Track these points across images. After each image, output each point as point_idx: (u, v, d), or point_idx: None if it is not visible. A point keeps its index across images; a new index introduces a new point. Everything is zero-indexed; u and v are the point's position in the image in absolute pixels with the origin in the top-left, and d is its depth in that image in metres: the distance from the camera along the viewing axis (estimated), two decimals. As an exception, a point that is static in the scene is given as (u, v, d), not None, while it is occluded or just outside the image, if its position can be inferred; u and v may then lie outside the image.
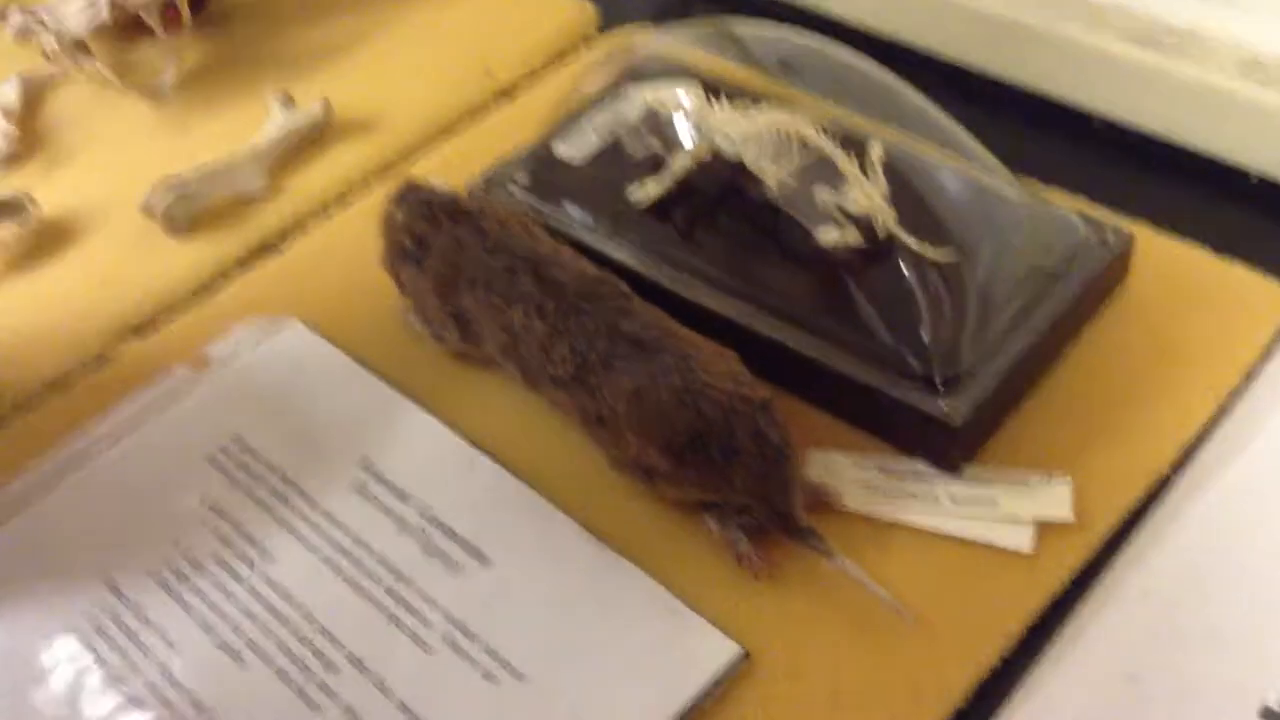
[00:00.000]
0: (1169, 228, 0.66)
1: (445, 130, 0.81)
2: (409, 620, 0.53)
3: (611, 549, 0.55)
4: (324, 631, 0.53)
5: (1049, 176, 0.69)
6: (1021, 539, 0.53)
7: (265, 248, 0.74)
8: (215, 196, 0.76)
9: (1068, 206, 0.63)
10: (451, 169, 0.73)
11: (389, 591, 0.54)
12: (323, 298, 0.69)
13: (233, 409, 0.63)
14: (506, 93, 0.83)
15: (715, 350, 0.55)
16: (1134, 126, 0.72)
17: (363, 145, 0.79)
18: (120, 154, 0.82)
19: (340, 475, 0.59)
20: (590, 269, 0.59)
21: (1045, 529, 0.54)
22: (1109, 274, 0.61)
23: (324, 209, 0.76)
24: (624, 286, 0.58)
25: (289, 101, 0.80)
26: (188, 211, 0.75)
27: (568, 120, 0.71)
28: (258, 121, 0.80)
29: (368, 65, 0.86)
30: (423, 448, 0.60)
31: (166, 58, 0.87)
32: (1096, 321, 0.62)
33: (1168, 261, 0.64)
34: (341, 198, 0.76)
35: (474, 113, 0.82)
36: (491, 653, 0.52)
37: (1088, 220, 0.62)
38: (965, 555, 0.53)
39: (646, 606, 0.53)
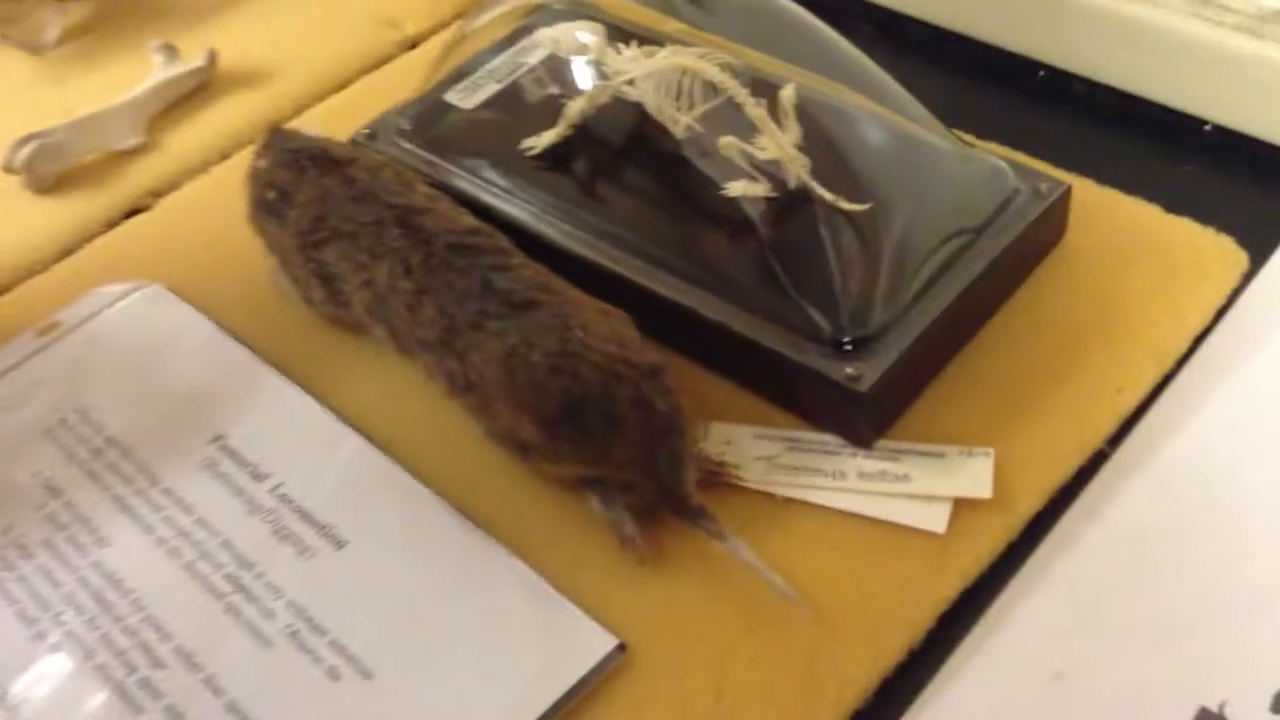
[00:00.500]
0: (1114, 180, 0.61)
1: (342, 84, 0.75)
2: (249, 611, 0.47)
3: (482, 531, 0.49)
4: (152, 623, 0.47)
5: (987, 130, 0.63)
6: (935, 518, 0.48)
7: (138, 207, 0.68)
8: (86, 151, 0.70)
9: (1002, 157, 0.58)
10: (342, 121, 0.67)
11: (230, 579, 0.49)
12: (191, 259, 0.63)
13: (76, 378, 0.57)
14: (413, 46, 0.77)
15: (601, 311, 0.49)
16: (1080, 74, 0.67)
17: (251, 99, 0.73)
18: (-9, 108, 0.76)
19: (190, 451, 0.53)
20: (467, 220, 0.53)
21: (962, 508, 0.48)
22: (1043, 228, 0.56)
23: (204, 166, 0.70)
24: (503, 240, 0.52)
25: (172, 52, 0.74)
26: (54, 167, 0.68)
27: (465, 66, 0.66)
28: (143, 75, 0.74)
29: (263, 16, 0.80)
30: (285, 422, 0.54)
31: (52, 9, 0.81)
32: (1029, 281, 0.56)
33: (1110, 216, 0.59)
34: (224, 154, 0.70)
35: (375, 66, 0.76)
36: (338, 648, 0.46)
37: (1020, 169, 0.56)
38: (873, 536, 0.48)
39: (516, 594, 0.47)
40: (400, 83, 0.70)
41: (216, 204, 0.66)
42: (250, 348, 0.58)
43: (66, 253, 0.65)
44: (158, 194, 0.68)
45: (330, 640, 0.46)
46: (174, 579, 0.49)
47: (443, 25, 0.78)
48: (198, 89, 0.74)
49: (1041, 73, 0.68)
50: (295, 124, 0.71)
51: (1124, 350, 0.53)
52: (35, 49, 0.80)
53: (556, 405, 0.47)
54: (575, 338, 0.47)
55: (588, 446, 0.47)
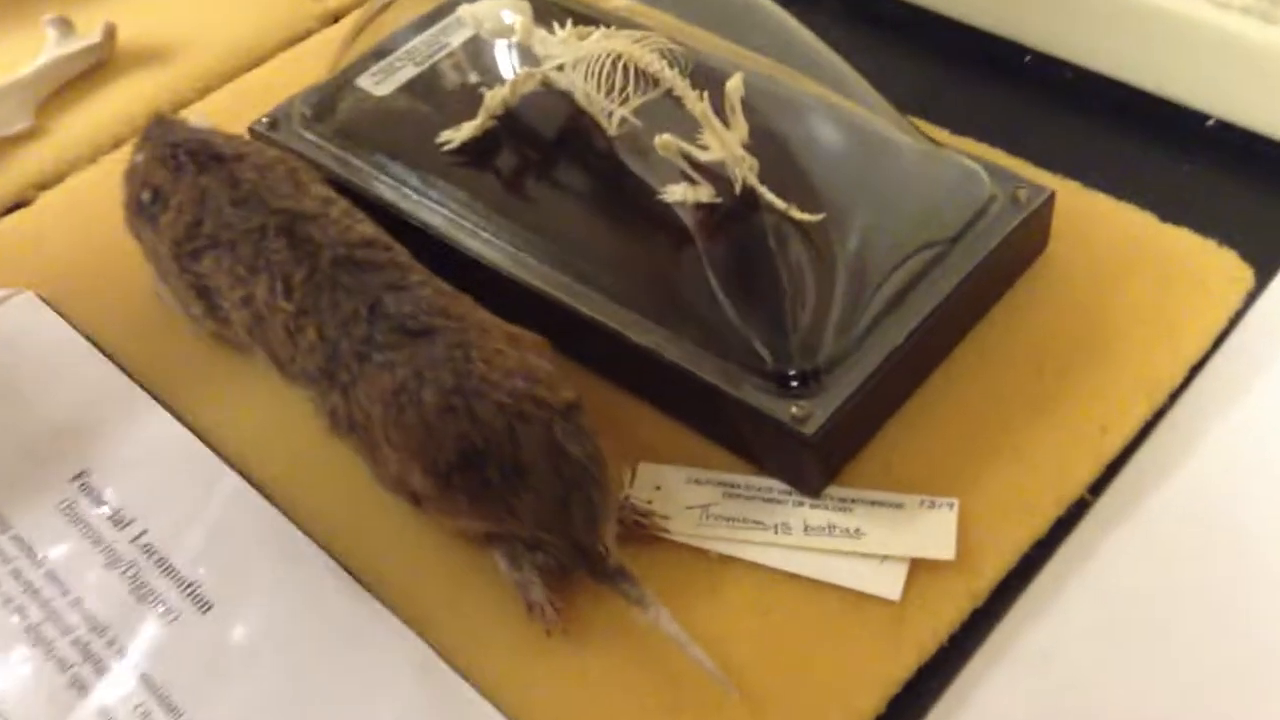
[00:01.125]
0: (1104, 184, 0.54)
1: (255, 63, 0.68)
2: (98, 686, 0.41)
3: (368, 592, 0.43)
4: (-18, 702, 0.41)
5: (962, 124, 0.56)
6: (889, 582, 0.41)
7: (22, 200, 0.61)
8: (-37, 138, 0.63)
9: (976, 157, 0.51)
10: (250, 105, 0.60)
11: (78, 645, 0.42)
12: (69, 263, 0.57)
13: (-75, 402, 0.50)
14: (335, 20, 0.70)
15: (510, 337, 0.43)
16: (1072, 62, 0.60)
17: (151, 79, 0.66)
18: None
19: (47, 491, 0.47)
20: (361, 230, 0.46)
21: (920, 569, 0.42)
22: (1021, 241, 0.49)
23: (95, 154, 0.63)
24: (401, 254, 0.45)
25: (66, 27, 0.67)
26: (-74, 156, 0.62)
27: (382, 45, 0.59)
28: (37, 53, 0.67)
29: (172, -14, 0.73)
30: (156, 457, 0.48)
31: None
32: (1004, 301, 0.49)
33: (1098, 225, 0.52)
34: (118, 141, 0.63)
35: (293, 43, 0.69)
36: (194, 733, 0.40)
37: (996, 173, 0.50)
38: (817, 603, 0.41)
39: (403, 669, 0.41)
40: (318, 63, 0.62)
41: (101, 200, 0.58)
42: (125, 369, 0.51)
43: (-65, 254, 0.59)
44: (44, 186, 0.62)
45: (185, 723, 0.40)
46: (14, 644, 0.42)
47: (371, -2, 0.71)
48: (93, 68, 0.67)
49: (1026, 58, 0.61)
50: (199, 108, 0.64)
51: (1110, 382, 0.47)
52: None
53: (450, 452, 0.40)
54: (474, 371, 0.41)
55: (486, 500, 0.40)
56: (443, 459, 0.40)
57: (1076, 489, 0.44)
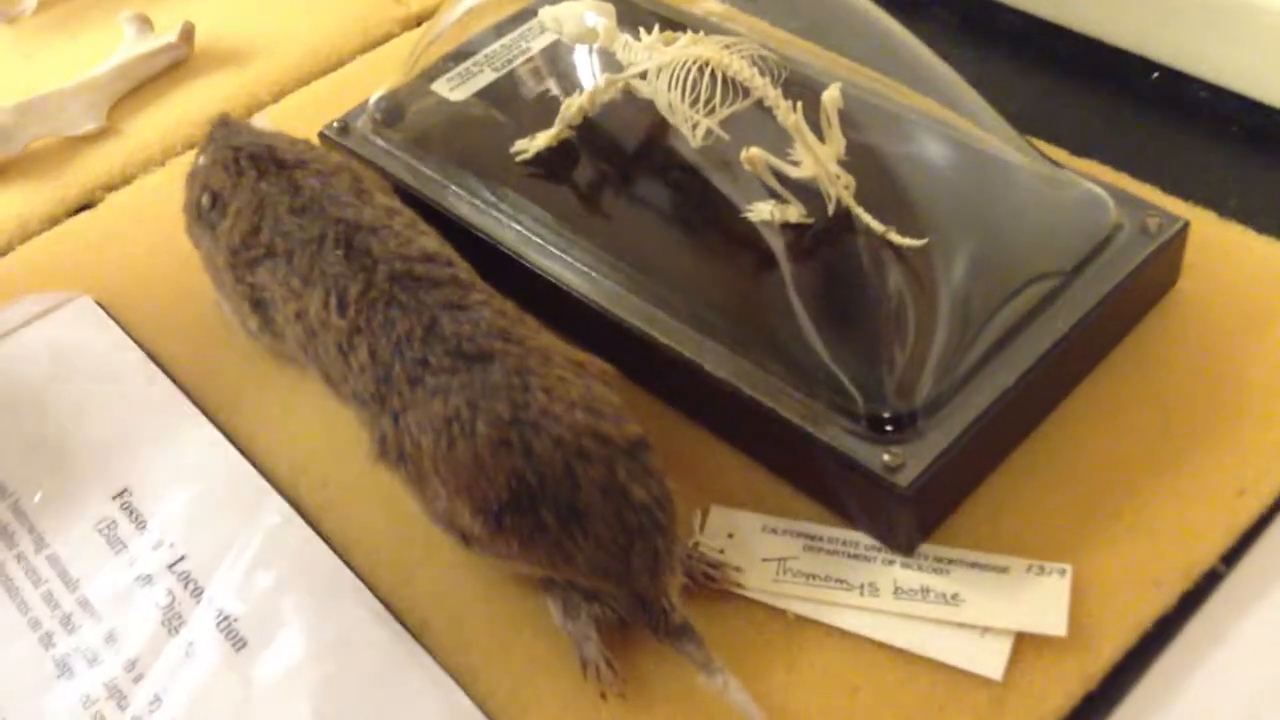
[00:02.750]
0: (1242, 214, 0.48)
1: (333, 66, 0.65)
2: (120, 726, 0.38)
3: (411, 637, 0.39)
4: (1, 736, 0.39)
5: (1086, 145, 0.51)
6: (990, 658, 0.37)
7: (90, 202, 0.59)
8: (36, 136, 0.61)
9: (1101, 181, 0.46)
10: (326, 109, 0.57)
11: (108, 686, 0.39)
12: (131, 268, 0.55)
13: (-26, 409, 0.49)
14: (418, 24, 0.68)
15: (575, 365, 0.39)
16: (1205, 80, 0.54)
17: (229, 80, 0.64)
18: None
19: (86, 508, 0.45)
20: (423, 244, 0.43)
21: (1026, 645, 0.37)
22: (1150, 275, 0.44)
23: (166, 157, 0.61)
24: (464, 270, 0.42)
25: (143, 25, 0.66)
26: (-2, 154, 0.60)
27: (462, 48, 0.56)
28: (111, 49, 0.66)
29: (255, -14, 0.71)
30: (202, 477, 0.45)
31: (34, -26, 0.73)
32: (1128, 342, 0.44)
33: (1236, 260, 0.47)
34: (190, 144, 0.61)
35: (373, 45, 0.66)
36: (217, 784, 0.37)
37: (1123, 199, 0.45)
38: (907, 679, 0.37)
39: (444, 727, 0.37)
40: (397, 66, 0.59)
41: (168, 204, 0.55)
42: (178, 382, 0.49)
43: (1, 252, 0.57)
44: (113, 188, 0.60)
45: (209, 774, 0.37)
46: (42, 676, 0.40)
47: None
48: (169, 68, 0.65)
49: (1155, 74, 0.56)
50: (272, 110, 0.62)
51: (1247, 438, 0.41)
52: (11, 17, 0.72)
53: (501, 490, 0.36)
54: (533, 402, 0.37)
55: (540, 544, 0.37)
56: (494, 497, 0.37)
57: (1207, 559, 0.39)
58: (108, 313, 0.52)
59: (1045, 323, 0.41)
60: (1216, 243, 0.47)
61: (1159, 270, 0.44)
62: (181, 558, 0.42)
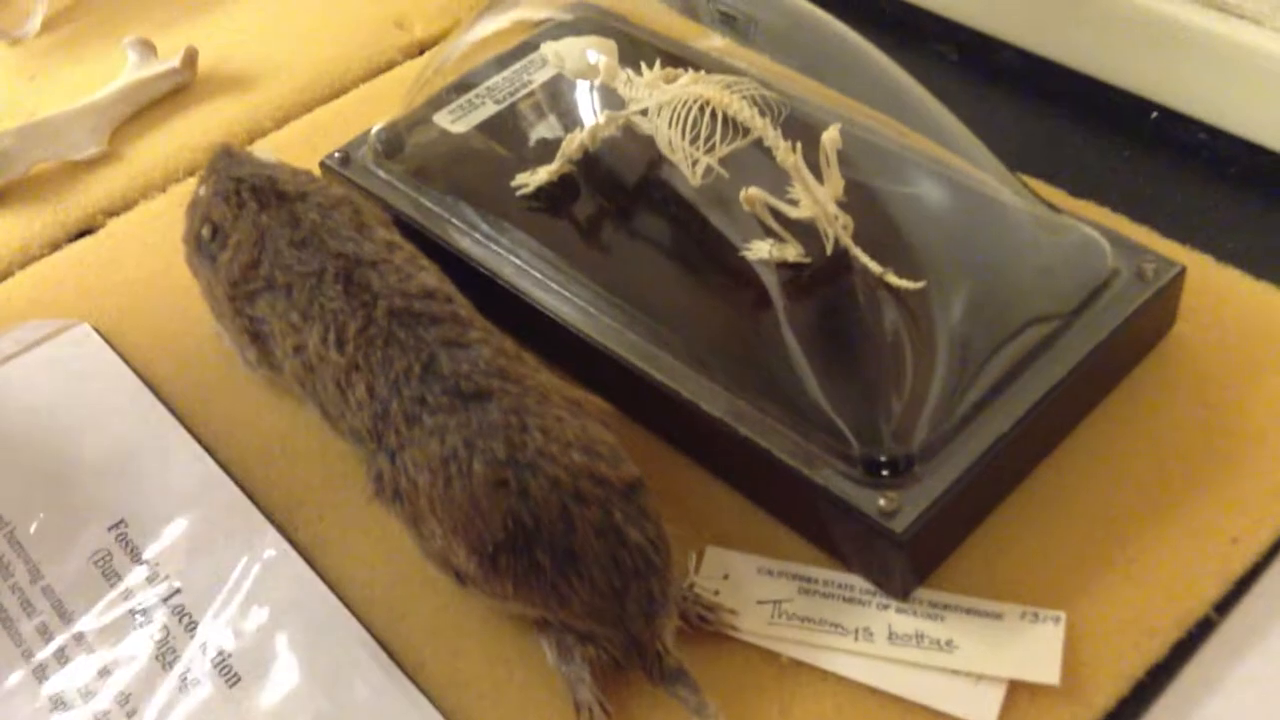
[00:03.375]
0: (1240, 259, 0.49)
1: (337, 93, 0.65)
2: (113, 762, 0.38)
3: (407, 677, 0.39)
4: (-9, 771, 0.39)
5: (1083, 187, 0.52)
6: (983, 706, 0.37)
7: (91, 227, 0.59)
8: (37, 160, 0.61)
9: (1097, 225, 0.46)
10: (328, 137, 0.58)
11: (98, 717, 0.39)
12: (130, 296, 0.55)
13: (-31, 437, 0.49)
14: (421, 52, 0.68)
15: (572, 404, 0.39)
16: (1205, 122, 0.54)
17: (232, 106, 0.64)
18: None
19: (82, 539, 0.44)
20: (423, 280, 0.43)
21: (1019, 693, 0.37)
22: (1146, 320, 0.44)
23: (168, 182, 0.61)
24: (463, 307, 0.42)
25: (146, 49, 0.66)
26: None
27: (465, 79, 0.56)
28: (114, 74, 0.66)
29: (257, 13, 0.71)
30: (199, 509, 0.45)
31: (38, -2, 0.73)
32: (1123, 388, 0.44)
33: (1233, 306, 0.47)
34: (192, 170, 0.61)
35: (377, 73, 0.67)
36: (207, 824, 0.37)
37: (1119, 243, 0.45)
38: (899, 724, 0.37)
39: (437, 767, 0.37)
40: (401, 95, 0.60)
41: (169, 231, 0.56)
42: (176, 412, 0.49)
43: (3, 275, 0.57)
44: (114, 213, 0.60)
45: (200, 812, 0.37)
46: (34, 714, 0.40)
47: (457, 25, 0.69)
48: (172, 93, 0.65)
49: (1154, 115, 0.56)
50: (275, 137, 0.63)
51: (1243, 486, 0.41)
52: (14, 38, 0.72)
53: (497, 531, 0.37)
54: (530, 443, 0.37)
55: (535, 585, 0.37)
56: (489, 538, 0.37)
57: (1201, 607, 0.39)
58: (106, 340, 0.52)
59: (1041, 368, 0.41)
60: (1213, 287, 0.47)
61: (1155, 315, 0.45)
62: (177, 590, 0.42)
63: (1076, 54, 0.58)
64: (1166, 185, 0.53)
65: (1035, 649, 0.38)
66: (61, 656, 0.41)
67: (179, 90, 0.65)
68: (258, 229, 0.45)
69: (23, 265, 0.57)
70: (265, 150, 0.51)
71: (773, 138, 0.44)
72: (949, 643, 0.38)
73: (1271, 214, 0.51)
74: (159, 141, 0.63)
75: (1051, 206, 0.46)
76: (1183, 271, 0.44)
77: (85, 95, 0.64)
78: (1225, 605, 0.39)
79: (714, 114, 0.45)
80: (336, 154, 0.54)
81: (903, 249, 0.44)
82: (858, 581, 0.40)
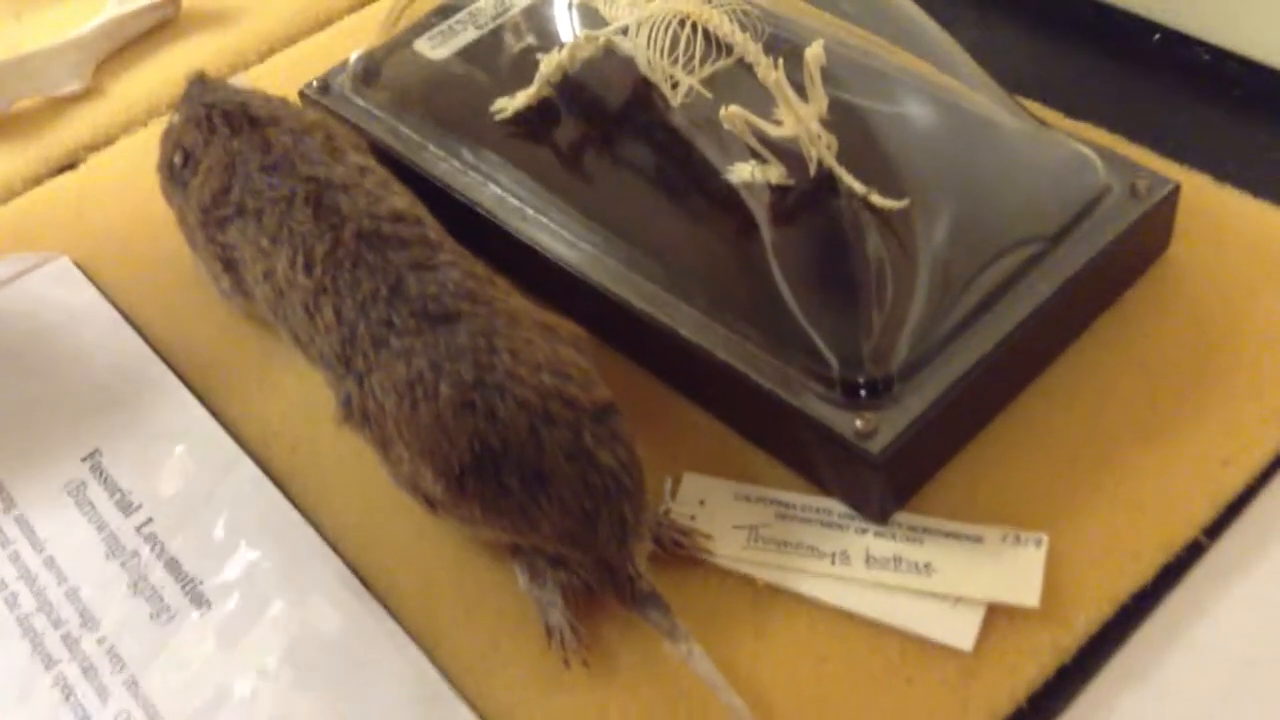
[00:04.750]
0: (1239, 179, 0.47)
1: (323, 26, 0.64)
2: (81, 688, 0.38)
3: (377, 601, 0.39)
4: (-39, 694, 0.38)
5: (1079, 108, 0.50)
6: (961, 629, 0.36)
7: (74, 163, 0.59)
8: (18, 96, 0.60)
9: (1091, 143, 0.45)
10: (309, 68, 0.57)
11: (67, 641, 0.39)
12: (111, 228, 0.54)
13: (-54, 370, 0.48)
14: (410, -18, 0.67)
15: (543, 327, 0.38)
16: (1208, 43, 0.53)
17: (216, 40, 0.63)
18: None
19: (57, 470, 0.44)
20: (392, 203, 0.42)
21: (998, 616, 0.36)
22: (1139, 239, 0.43)
23: (150, 117, 0.60)
24: (433, 229, 0.41)
25: (131, -17, 0.65)
26: (-20, 114, 0.60)
27: (447, 5, 0.54)
28: (97, 9, 0.65)
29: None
30: (173, 439, 0.45)
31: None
32: (1115, 309, 0.43)
33: (1230, 225, 0.45)
34: (176, 105, 0.60)
35: (364, 5, 0.65)
36: (177, 748, 0.36)
37: (1112, 160, 0.43)
38: (876, 649, 0.36)
39: (404, 692, 0.37)
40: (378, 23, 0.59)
41: (148, 166, 0.55)
42: (153, 344, 0.48)
43: (-17, 214, 0.57)
44: (96, 149, 0.59)
45: (168, 737, 0.37)
46: (3, 635, 0.40)
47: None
48: (156, 28, 0.64)
49: (1156, 36, 0.54)
50: (259, 70, 0.62)
51: (1236, 409, 0.40)
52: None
53: (464, 453, 0.36)
54: (498, 364, 0.36)
55: (504, 509, 0.36)
56: (456, 460, 0.36)
57: (1189, 531, 0.38)
58: (85, 274, 0.52)
59: (1028, 287, 0.40)
60: (1212, 208, 0.46)
61: (1148, 234, 0.43)
62: (149, 520, 0.42)
63: (1077, -26, 0.56)
64: (1167, 107, 0.51)
65: (1015, 572, 0.37)
66: (32, 583, 0.41)
67: (163, 25, 0.64)
68: (229, 154, 0.44)
69: (4, 201, 0.57)
70: (241, 79, 0.50)
71: (754, 53, 0.43)
72: (927, 566, 0.37)
73: (1275, 135, 0.50)
74: (142, 77, 0.62)
75: (1042, 123, 0.45)
76: (1177, 188, 0.43)
77: (63, 32, 0.63)
78: (1216, 529, 0.38)
79: (695, 30, 0.44)
80: (315, 82, 0.53)
81: (887, 168, 0.43)
82: (836, 506, 0.39)
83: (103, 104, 0.61)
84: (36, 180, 0.58)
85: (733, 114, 0.43)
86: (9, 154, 0.59)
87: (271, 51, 0.63)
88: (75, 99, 0.61)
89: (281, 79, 0.58)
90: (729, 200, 0.43)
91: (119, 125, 0.60)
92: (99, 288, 0.51)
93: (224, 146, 0.45)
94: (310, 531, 0.41)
